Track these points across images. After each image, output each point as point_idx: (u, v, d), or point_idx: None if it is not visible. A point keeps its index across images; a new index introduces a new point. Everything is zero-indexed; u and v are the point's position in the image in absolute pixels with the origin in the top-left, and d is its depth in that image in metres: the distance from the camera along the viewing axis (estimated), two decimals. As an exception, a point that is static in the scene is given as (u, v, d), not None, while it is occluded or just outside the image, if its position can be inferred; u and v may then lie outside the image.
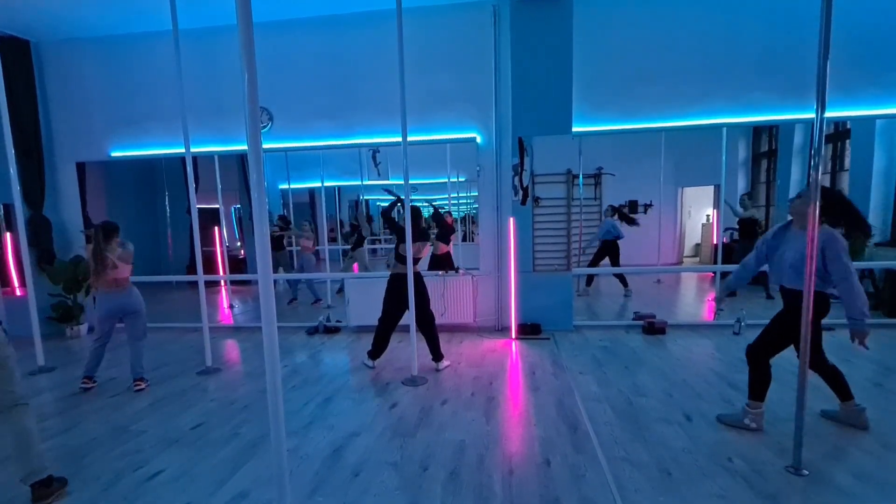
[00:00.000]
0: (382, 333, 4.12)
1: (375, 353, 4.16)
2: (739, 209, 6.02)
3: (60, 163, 5.87)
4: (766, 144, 7.04)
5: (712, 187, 6.61)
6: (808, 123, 5.28)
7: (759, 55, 4.79)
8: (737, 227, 6.17)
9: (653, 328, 4.88)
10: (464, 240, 6.38)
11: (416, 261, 3.86)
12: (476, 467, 2.47)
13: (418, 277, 3.95)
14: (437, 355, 4.08)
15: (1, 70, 4.17)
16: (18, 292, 5.63)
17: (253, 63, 1.48)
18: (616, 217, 6.31)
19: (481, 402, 3.32)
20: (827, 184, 6.39)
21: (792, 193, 6.54)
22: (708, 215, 7.44)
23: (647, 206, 6.82)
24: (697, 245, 7.73)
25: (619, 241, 6.24)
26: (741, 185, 6.91)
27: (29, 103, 5.54)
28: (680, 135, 5.18)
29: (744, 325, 4.77)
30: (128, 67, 5.59)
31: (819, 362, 2.79)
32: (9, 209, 5.53)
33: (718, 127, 5.03)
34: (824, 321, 2.79)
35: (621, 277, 6.43)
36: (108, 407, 3.46)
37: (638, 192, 6.79)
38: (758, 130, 6.93)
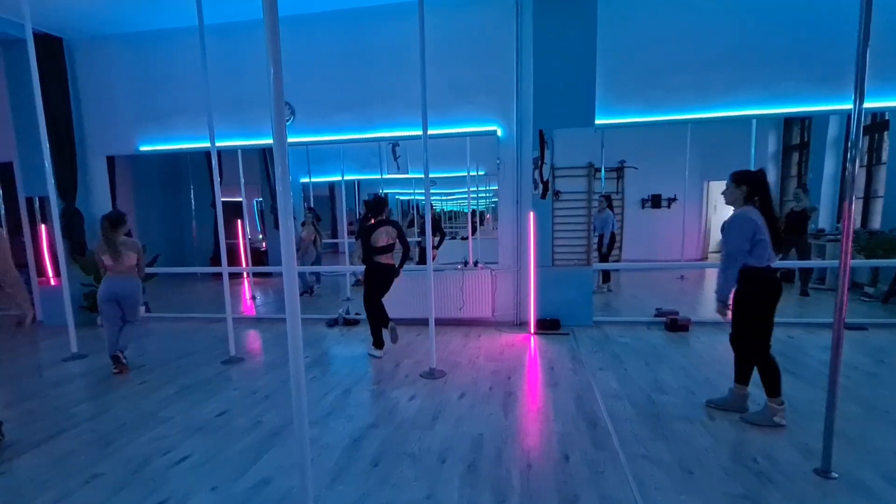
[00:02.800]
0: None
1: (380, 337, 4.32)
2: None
3: (91, 157, 6.06)
4: (797, 136, 6.80)
5: (739, 181, 6.42)
6: (844, 114, 5.07)
7: (793, 42, 4.59)
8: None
9: (675, 325, 4.79)
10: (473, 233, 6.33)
11: (386, 250, 4.17)
12: (494, 461, 2.47)
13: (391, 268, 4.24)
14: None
15: (36, 67, 4.31)
16: (53, 282, 5.86)
17: (278, 59, 1.48)
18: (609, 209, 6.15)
19: (499, 397, 3.32)
20: (863, 178, 6.15)
21: (825, 187, 6.32)
22: (735, 210, 7.23)
23: (670, 201, 6.68)
24: (723, 240, 7.53)
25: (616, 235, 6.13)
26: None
27: (62, 99, 5.72)
28: (707, 127, 5.03)
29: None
30: (155, 63, 5.72)
31: (749, 349, 2.82)
32: (43, 202, 5.75)
33: (748, 119, 4.87)
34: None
35: (607, 272, 6.28)
36: (136, 394, 3.58)
37: (661, 185, 6.66)
38: (789, 122, 6.70)
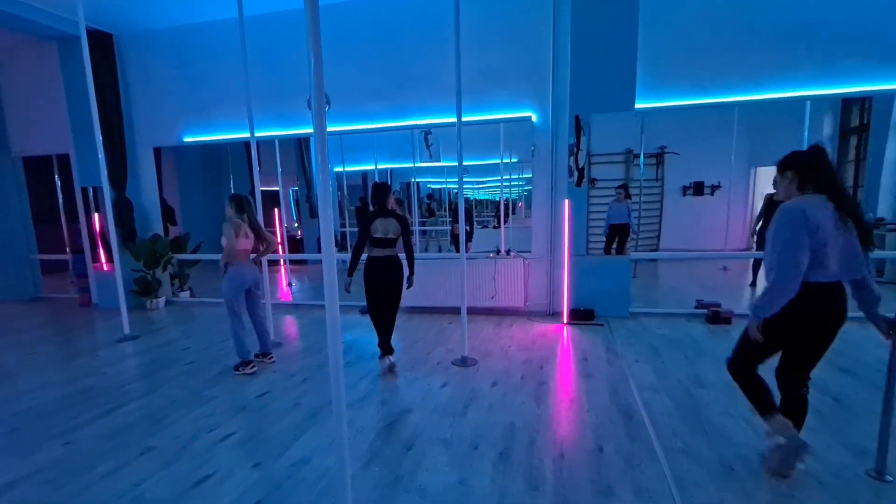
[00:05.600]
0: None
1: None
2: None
3: (140, 148, 6.35)
4: (856, 119, 6.34)
5: (790, 167, 6.08)
6: (911, 94, 4.68)
7: (851, 16, 4.26)
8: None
9: (717, 317, 4.61)
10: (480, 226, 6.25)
11: (391, 243, 3.55)
12: (526, 449, 2.48)
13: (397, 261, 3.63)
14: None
15: (90, 63, 4.52)
16: (106, 267, 6.22)
17: (319, 53, 1.50)
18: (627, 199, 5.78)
19: (532, 386, 3.31)
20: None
21: (886, 173, 5.89)
22: (783, 198, 6.85)
23: (714, 188, 6.40)
24: (770, 230, 7.15)
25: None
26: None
27: (113, 93, 6.01)
28: (756, 109, 4.75)
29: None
30: (197, 56, 5.90)
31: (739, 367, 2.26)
32: (97, 191, 6.09)
33: (802, 100, 4.57)
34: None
35: None
36: (184, 373, 3.78)
37: (705, 172, 6.37)
38: (847, 103, 6.25)
